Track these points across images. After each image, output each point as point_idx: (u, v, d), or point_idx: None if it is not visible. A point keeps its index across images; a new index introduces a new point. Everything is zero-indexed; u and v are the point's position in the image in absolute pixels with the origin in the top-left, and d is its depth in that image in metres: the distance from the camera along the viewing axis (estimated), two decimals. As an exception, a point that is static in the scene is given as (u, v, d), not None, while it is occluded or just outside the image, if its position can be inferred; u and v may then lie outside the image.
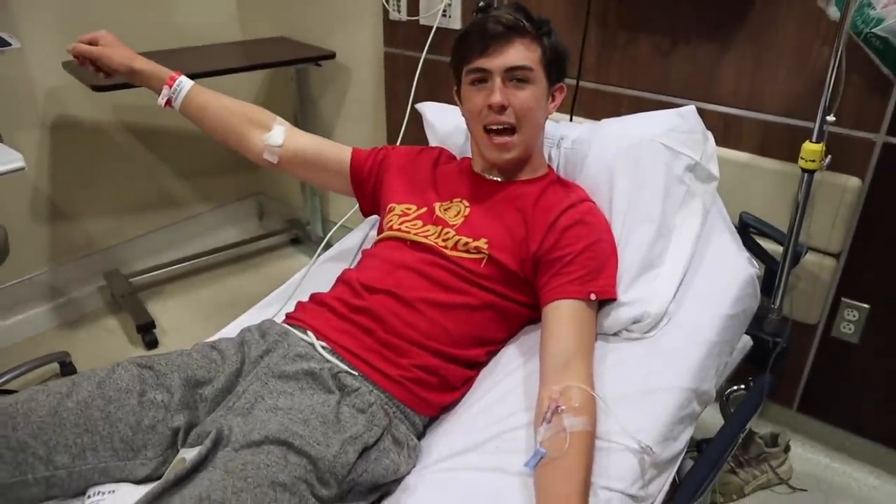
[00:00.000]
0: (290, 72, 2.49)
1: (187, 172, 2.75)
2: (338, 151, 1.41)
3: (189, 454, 0.92)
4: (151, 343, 2.26)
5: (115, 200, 2.54)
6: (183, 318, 2.42)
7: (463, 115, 1.29)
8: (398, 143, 1.96)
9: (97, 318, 2.43)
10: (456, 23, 2.01)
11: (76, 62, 1.34)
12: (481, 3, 1.93)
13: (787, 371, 1.75)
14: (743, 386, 1.57)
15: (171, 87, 1.34)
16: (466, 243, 1.18)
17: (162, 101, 1.35)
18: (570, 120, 1.77)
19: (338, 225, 1.61)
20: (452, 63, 1.26)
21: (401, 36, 2.17)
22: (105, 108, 2.41)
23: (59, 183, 2.34)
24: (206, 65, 2.26)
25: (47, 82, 2.21)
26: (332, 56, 2.37)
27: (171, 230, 2.75)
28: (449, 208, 1.26)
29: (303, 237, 2.85)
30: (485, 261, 1.16)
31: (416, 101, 1.71)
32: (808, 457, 1.80)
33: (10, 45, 1.87)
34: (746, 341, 1.46)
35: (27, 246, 2.29)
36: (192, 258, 2.65)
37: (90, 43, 1.32)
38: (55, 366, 2.10)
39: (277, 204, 3.04)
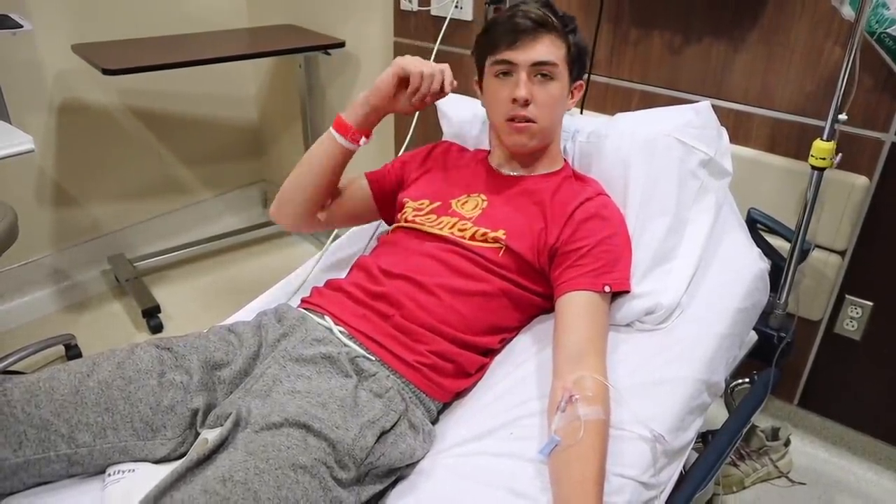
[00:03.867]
0: (299, 59, 2.49)
1: (193, 159, 2.75)
2: (358, 182, 1.41)
3: (211, 435, 0.93)
4: (156, 327, 2.27)
5: (120, 185, 2.54)
6: (186, 304, 2.43)
7: (483, 105, 1.30)
8: (409, 134, 1.97)
9: (101, 302, 2.43)
10: (467, 14, 2.01)
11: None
12: (494, -5, 1.95)
13: (789, 366, 1.77)
14: (747, 380, 1.59)
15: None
16: (485, 234, 1.19)
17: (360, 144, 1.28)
18: (581, 113, 1.78)
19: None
20: (476, 53, 1.27)
21: (412, 26, 2.17)
22: (112, 92, 2.40)
23: (65, 166, 2.34)
24: (215, 51, 2.26)
25: (56, 65, 2.21)
26: (341, 45, 2.37)
27: (176, 216, 2.76)
28: (466, 202, 1.27)
29: (307, 225, 2.86)
30: (503, 251, 1.17)
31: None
32: (807, 451, 1.83)
33: (21, 26, 1.87)
34: (751, 336, 1.48)
35: (33, 228, 2.29)
36: (196, 244, 2.66)
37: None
38: (60, 348, 2.11)
39: (281, 192, 3.05)
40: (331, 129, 1.26)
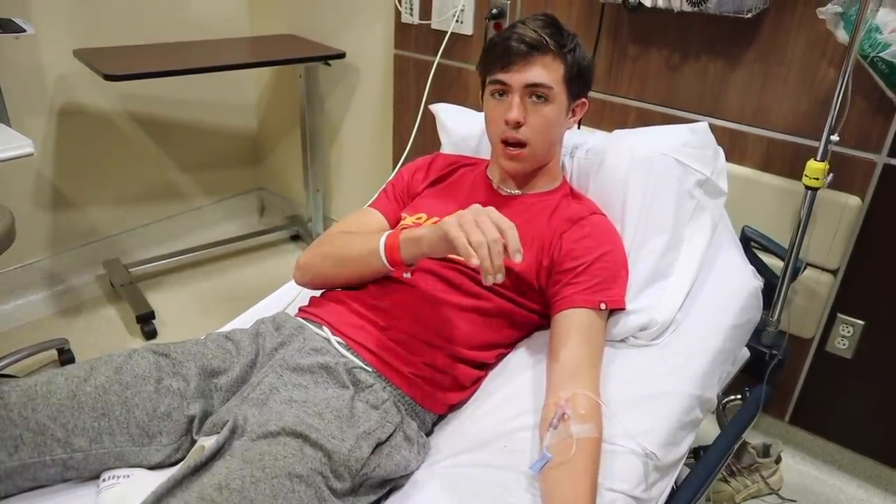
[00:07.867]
0: (300, 69, 2.50)
1: (190, 165, 2.76)
2: (375, 221, 1.34)
3: (207, 442, 0.93)
4: (150, 333, 2.26)
5: (117, 190, 2.54)
6: (181, 310, 2.42)
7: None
8: (409, 145, 1.99)
9: (96, 307, 2.43)
10: (468, 29, 2.03)
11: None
12: (493, 11, 1.97)
13: (780, 383, 1.78)
14: (739, 396, 1.60)
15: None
16: None
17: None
18: (578, 128, 1.80)
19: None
20: (478, 69, 1.27)
21: (412, 39, 2.19)
22: (113, 98, 2.41)
23: (63, 170, 2.35)
24: (216, 59, 2.27)
25: (57, 69, 2.22)
26: (342, 56, 2.38)
27: (173, 222, 2.76)
28: None
29: (303, 234, 2.86)
30: None
31: (426, 104, 1.73)
32: (798, 468, 1.84)
33: (24, 30, 1.88)
34: (744, 353, 1.49)
35: (29, 231, 2.29)
36: (192, 250, 2.66)
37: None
38: (53, 352, 2.10)
39: (279, 199, 3.06)
40: (382, 254, 1.11)
